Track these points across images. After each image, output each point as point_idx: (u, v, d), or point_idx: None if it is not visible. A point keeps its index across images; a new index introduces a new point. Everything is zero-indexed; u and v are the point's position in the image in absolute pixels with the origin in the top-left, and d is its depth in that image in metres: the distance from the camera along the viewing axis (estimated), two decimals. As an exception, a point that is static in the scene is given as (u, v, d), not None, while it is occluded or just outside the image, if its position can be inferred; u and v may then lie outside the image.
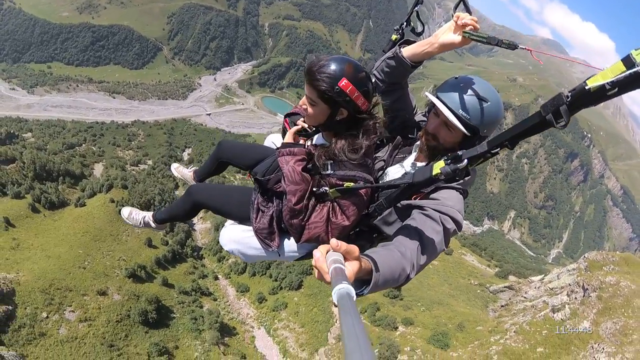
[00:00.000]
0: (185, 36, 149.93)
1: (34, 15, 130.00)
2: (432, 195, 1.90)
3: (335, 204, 1.96)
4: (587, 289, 18.59)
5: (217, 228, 47.18)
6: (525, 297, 25.92)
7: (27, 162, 46.95)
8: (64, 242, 32.65)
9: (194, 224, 52.91)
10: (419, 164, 2.15)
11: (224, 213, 2.54)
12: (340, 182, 1.89)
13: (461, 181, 1.87)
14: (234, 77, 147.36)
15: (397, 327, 24.51)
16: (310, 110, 1.94)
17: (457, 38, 1.78)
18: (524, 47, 1.60)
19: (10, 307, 22.37)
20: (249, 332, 33.40)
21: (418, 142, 2.22)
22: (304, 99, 1.98)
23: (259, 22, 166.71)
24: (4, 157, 47.36)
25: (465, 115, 1.88)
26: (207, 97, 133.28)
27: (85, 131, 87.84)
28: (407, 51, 2.00)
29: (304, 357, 29.01)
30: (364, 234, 2.22)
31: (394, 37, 2.34)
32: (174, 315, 28.89)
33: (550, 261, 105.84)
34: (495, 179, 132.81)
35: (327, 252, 1.15)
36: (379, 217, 2.07)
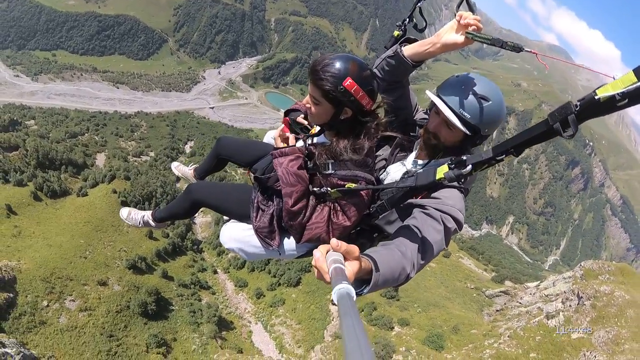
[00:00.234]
0: (191, 28, 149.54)
1: (40, 2, 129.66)
2: (433, 194, 1.89)
3: (336, 204, 1.96)
4: (581, 297, 18.83)
5: (218, 222, 47.46)
6: (520, 303, 26.19)
7: (30, 149, 47.10)
8: (66, 231, 32.85)
9: (195, 217, 53.18)
10: (420, 162, 2.17)
11: (224, 211, 2.54)
12: (342, 182, 1.87)
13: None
14: (239, 71, 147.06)
15: (393, 327, 24.76)
16: (313, 109, 1.92)
17: (459, 38, 1.75)
18: (529, 49, 1.57)
19: (11, 295, 22.56)
20: (246, 326, 33.70)
21: (419, 140, 2.22)
22: (307, 97, 1.94)
23: (265, 17, 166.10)
24: (7, 144, 47.49)
25: (465, 114, 1.87)
26: (211, 91, 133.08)
27: (88, 120, 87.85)
28: (408, 50, 1.98)
29: (300, 353, 29.31)
30: (364, 233, 2.21)
31: (396, 33, 2.29)
32: (173, 308, 29.19)
33: (547, 268, 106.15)
34: (495, 183, 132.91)
35: (327, 252, 1.16)
36: (380, 217, 2.07)
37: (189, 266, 38.99)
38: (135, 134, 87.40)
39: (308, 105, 1.96)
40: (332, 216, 1.96)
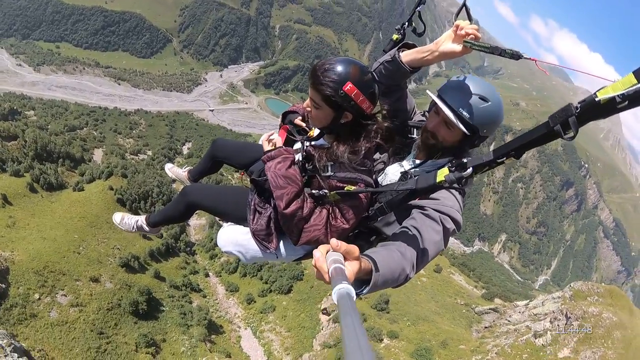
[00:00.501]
0: (196, 30, 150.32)
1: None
2: (431, 195, 1.88)
3: (334, 207, 1.94)
4: (570, 317, 19.13)
5: (212, 225, 47.39)
6: (509, 321, 26.40)
7: (29, 140, 46.90)
8: (60, 225, 32.69)
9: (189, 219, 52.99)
10: (418, 162, 2.18)
11: (220, 214, 2.51)
12: (341, 185, 1.87)
13: None
14: (240, 75, 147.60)
15: (382, 339, 24.84)
16: (314, 112, 1.91)
17: (457, 47, 1.76)
18: (528, 57, 1.57)
19: (3, 286, 22.41)
20: (236, 331, 33.57)
21: (417, 141, 2.23)
22: (308, 100, 1.94)
23: (270, 24, 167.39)
24: (6, 134, 47.30)
25: (464, 114, 1.89)
26: (212, 93, 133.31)
27: (88, 115, 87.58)
28: (406, 56, 1.98)
29: (288, 361, 29.31)
30: (362, 235, 2.19)
31: (395, 37, 2.28)
32: (164, 309, 29.07)
33: (537, 287, 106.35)
34: (489, 200, 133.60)
35: (327, 252, 1.17)
36: (379, 219, 2.06)
37: (181, 268, 38.84)
38: (134, 131, 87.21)
39: (308, 109, 1.95)
40: (330, 219, 1.94)
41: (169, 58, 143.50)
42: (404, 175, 2.12)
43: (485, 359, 19.65)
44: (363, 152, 1.87)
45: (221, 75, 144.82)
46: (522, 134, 1.21)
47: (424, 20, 2.35)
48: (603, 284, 26.63)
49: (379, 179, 2.20)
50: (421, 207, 1.87)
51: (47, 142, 48.47)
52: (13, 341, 16.76)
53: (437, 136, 2.05)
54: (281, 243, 2.20)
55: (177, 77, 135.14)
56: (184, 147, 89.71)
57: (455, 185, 1.42)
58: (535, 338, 19.16)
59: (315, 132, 2.09)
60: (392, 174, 2.19)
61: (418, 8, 2.31)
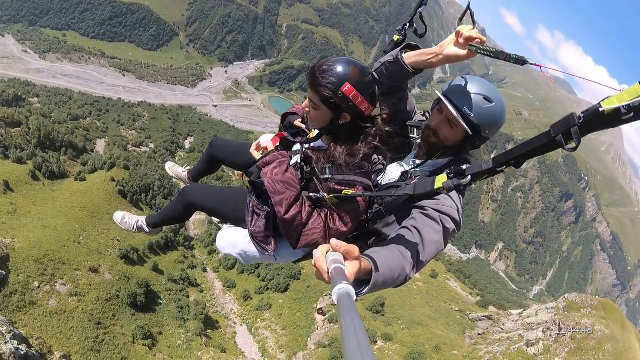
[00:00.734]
0: (203, 25, 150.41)
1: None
2: None
3: (333, 210, 1.90)
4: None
5: (211, 220, 47.55)
6: (502, 329, 26.62)
7: (32, 128, 47.05)
8: (61, 214, 32.84)
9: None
10: (418, 162, 2.18)
11: (219, 215, 2.51)
12: (339, 188, 1.84)
13: None
14: (245, 72, 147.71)
15: (376, 341, 25.02)
16: (312, 113, 1.88)
17: (462, 51, 1.74)
18: (533, 62, 1.54)
19: (3, 273, 22.53)
20: (231, 327, 33.77)
21: (418, 140, 2.23)
22: (307, 101, 1.91)
23: (277, 22, 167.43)
24: (10, 120, 47.48)
25: (468, 112, 1.89)
26: (216, 89, 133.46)
27: (92, 105, 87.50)
28: (409, 58, 1.96)
29: (282, 359, 29.48)
30: (361, 236, 2.16)
31: (396, 37, 2.26)
32: (161, 302, 29.25)
33: (531, 297, 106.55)
34: (488, 209, 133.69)
35: (327, 252, 1.17)
36: (378, 222, 2.04)
37: (179, 262, 39.02)
38: (137, 123, 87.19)
39: (307, 109, 1.92)
40: (329, 222, 1.91)
41: (175, 52, 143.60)
42: (404, 175, 2.13)
43: (477, 365, 19.89)
44: (361, 154, 1.84)
45: (226, 72, 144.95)
46: (522, 143, 1.20)
47: (425, 22, 2.32)
48: (597, 296, 26.83)
49: (378, 178, 2.15)
50: (421, 207, 1.86)
51: (51, 131, 48.64)
52: (13, 328, 16.95)
53: (439, 134, 2.05)
54: (280, 245, 2.19)
55: (182, 71, 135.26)
56: (186, 141, 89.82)
57: (454, 192, 1.38)
58: (528, 347, 19.41)
59: (315, 133, 2.07)
60: (392, 173, 2.18)
61: (419, 9, 2.28)
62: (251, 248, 2.23)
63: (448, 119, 1.99)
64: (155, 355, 23.52)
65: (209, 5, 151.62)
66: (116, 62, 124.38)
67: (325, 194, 1.84)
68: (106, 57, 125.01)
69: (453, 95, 1.95)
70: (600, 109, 0.96)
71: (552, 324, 20.22)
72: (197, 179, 3.30)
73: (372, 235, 2.15)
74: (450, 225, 1.84)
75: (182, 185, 3.25)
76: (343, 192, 1.79)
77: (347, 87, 1.70)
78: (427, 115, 2.29)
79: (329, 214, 1.90)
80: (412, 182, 1.90)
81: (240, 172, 2.50)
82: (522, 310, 29.18)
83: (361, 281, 1.41)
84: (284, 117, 2.31)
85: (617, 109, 0.93)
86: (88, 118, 78.92)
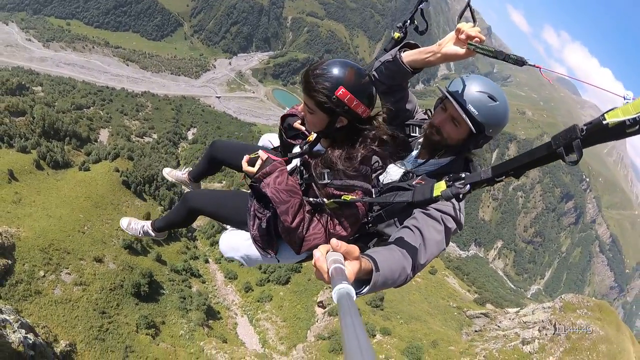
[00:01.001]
0: (208, 16, 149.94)
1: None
2: None
3: (332, 215, 1.90)
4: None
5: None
6: (498, 326, 26.99)
7: (36, 117, 47.19)
8: (66, 203, 33.08)
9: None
10: (420, 161, 2.17)
11: (221, 219, 2.53)
12: (338, 193, 1.81)
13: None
14: (249, 64, 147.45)
15: (374, 335, 25.36)
16: (308, 117, 1.85)
17: (460, 50, 1.73)
18: (532, 64, 1.51)
19: (9, 262, 22.73)
20: (232, 318, 34.22)
21: (420, 139, 2.21)
22: (302, 104, 1.87)
23: (282, 14, 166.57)
24: (15, 109, 47.65)
25: (473, 110, 1.88)
26: (220, 80, 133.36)
27: (95, 94, 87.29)
28: (407, 57, 1.95)
29: (282, 350, 29.95)
30: (362, 238, 2.17)
31: (396, 35, 2.20)
32: (164, 292, 29.63)
33: (529, 296, 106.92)
34: (488, 207, 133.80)
35: (327, 252, 1.17)
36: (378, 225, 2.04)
37: (182, 252, 39.38)
38: (140, 113, 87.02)
39: (303, 113, 1.90)
40: (329, 227, 1.91)
41: (179, 42, 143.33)
42: (406, 175, 2.12)
43: (473, 361, 20.28)
44: (359, 158, 1.81)
45: (230, 63, 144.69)
46: (522, 153, 1.19)
47: (427, 19, 2.27)
48: (594, 298, 27.14)
49: (380, 177, 2.18)
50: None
51: (55, 120, 48.75)
52: (19, 317, 17.29)
53: (442, 132, 2.03)
54: (282, 247, 2.21)
55: (185, 61, 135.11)
56: (189, 132, 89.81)
57: (453, 200, 1.39)
58: (523, 345, 19.78)
59: (314, 136, 2.03)
60: (393, 173, 2.18)
61: (420, 5, 2.22)
62: (253, 251, 2.27)
63: (452, 116, 1.98)
64: (158, 345, 23.90)
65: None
66: (120, 52, 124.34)
67: (325, 199, 1.83)
68: (110, 46, 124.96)
69: (457, 93, 1.93)
70: (604, 122, 0.93)
71: (547, 324, 20.56)
72: (198, 180, 3.34)
73: (373, 237, 2.16)
74: (452, 224, 1.85)
75: (185, 188, 3.36)
76: (342, 198, 1.77)
77: (341, 90, 1.66)
78: (429, 113, 2.29)
79: (328, 219, 1.91)
80: (413, 182, 1.97)
81: (242, 174, 2.48)
82: (519, 308, 29.51)
83: (361, 281, 1.42)
84: (283, 118, 2.30)
85: (622, 122, 0.90)
86: (91, 107, 78.83)
